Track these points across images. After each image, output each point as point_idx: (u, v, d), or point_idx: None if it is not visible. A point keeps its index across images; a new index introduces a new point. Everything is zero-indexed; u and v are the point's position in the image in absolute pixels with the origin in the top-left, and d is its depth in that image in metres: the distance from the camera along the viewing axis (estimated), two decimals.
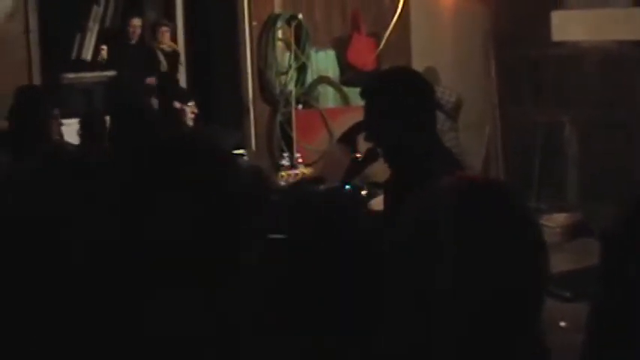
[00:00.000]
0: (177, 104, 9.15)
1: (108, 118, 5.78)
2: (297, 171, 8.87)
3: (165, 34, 9.47)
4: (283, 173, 8.74)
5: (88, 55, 9.52)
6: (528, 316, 1.59)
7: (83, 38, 9.51)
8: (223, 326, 1.90)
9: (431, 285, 1.54)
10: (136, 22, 9.35)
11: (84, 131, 6.34)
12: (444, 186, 1.63)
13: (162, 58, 9.36)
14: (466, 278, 1.53)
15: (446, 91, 8.97)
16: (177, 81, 9.57)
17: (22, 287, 1.99)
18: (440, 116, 8.69)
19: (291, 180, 8.49)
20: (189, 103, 9.15)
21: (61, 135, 5.95)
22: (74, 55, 9.51)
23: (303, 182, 8.46)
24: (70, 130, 6.64)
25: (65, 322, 1.94)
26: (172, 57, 9.51)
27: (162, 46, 9.43)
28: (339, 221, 2.02)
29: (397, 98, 3.40)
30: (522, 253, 1.56)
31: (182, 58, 9.71)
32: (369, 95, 3.52)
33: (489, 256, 1.53)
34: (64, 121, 6.42)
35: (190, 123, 9.01)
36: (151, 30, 9.62)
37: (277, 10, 9.65)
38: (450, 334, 1.53)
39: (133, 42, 9.32)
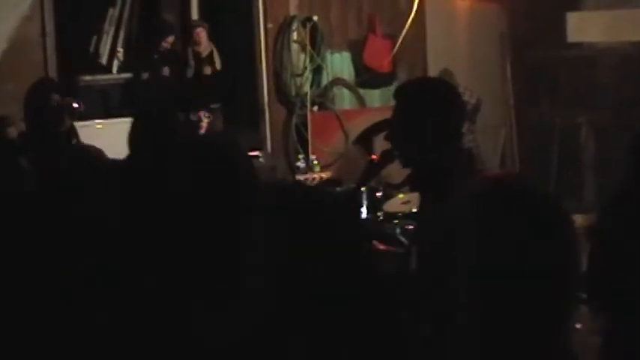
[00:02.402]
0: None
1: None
2: (314, 175, 8.82)
3: (201, 34, 9.17)
4: (301, 178, 8.69)
5: (104, 57, 9.54)
6: (561, 316, 1.56)
7: (99, 41, 9.54)
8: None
9: (459, 291, 1.53)
10: (171, 39, 9.18)
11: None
12: (471, 192, 1.60)
13: (192, 61, 9.23)
14: (496, 281, 1.52)
15: (466, 93, 8.97)
16: (213, 85, 9.31)
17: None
18: None
19: (308, 183, 8.46)
20: (202, 113, 8.91)
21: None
22: (90, 57, 9.53)
23: (321, 185, 8.46)
24: (89, 132, 6.67)
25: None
26: (208, 59, 9.31)
27: (198, 48, 9.23)
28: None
29: (431, 104, 3.38)
30: (553, 253, 1.53)
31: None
32: (403, 97, 3.50)
33: (519, 260, 1.51)
34: (83, 123, 6.43)
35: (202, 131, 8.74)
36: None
37: (293, 12, 9.66)
38: (479, 336, 1.53)
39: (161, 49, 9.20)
